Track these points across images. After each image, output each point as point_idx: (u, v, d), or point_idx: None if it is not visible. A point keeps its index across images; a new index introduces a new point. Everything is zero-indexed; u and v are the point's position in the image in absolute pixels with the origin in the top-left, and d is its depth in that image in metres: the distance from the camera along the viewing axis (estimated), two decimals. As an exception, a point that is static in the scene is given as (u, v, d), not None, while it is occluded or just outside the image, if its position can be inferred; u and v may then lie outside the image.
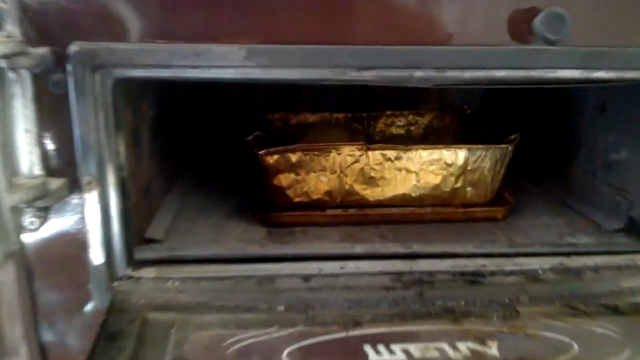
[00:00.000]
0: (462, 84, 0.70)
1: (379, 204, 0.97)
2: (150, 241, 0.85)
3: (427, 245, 0.83)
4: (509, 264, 0.79)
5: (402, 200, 0.97)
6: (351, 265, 0.79)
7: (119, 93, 0.69)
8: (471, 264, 0.79)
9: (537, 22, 0.66)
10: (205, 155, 1.24)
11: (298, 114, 1.24)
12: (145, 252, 0.79)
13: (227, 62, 0.67)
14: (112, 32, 0.65)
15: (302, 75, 0.68)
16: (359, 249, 0.81)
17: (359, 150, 0.94)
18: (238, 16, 0.66)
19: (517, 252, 0.82)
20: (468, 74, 0.69)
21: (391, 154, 0.94)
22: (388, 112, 1.25)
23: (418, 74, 0.69)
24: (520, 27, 0.68)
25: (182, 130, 1.13)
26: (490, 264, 0.79)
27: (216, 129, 1.27)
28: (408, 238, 0.87)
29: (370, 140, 1.22)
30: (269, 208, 0.95)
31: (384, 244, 0.83)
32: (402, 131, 1.25)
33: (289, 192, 0.95)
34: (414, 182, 0.96)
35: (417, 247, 0.81)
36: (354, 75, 0.68)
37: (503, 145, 0.95)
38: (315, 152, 0.93)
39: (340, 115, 1.25)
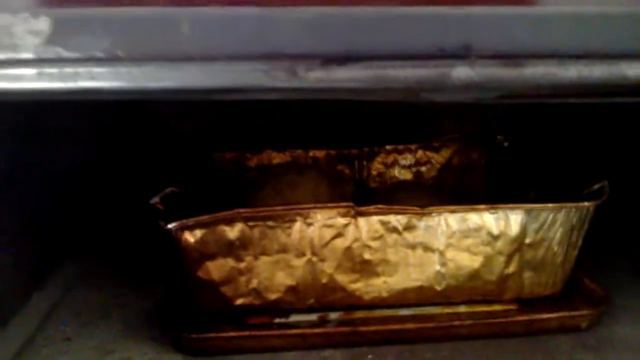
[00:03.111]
0: (564, 96, 0.31)
1: (380, 305, 0.58)
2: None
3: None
4: None
5: (419, 298, 0.58)
6: None
7: None
8: None
9: None
10: (111, 226, 0.83)
11: (259, 152, 0.85)
12: None
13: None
14: None
15: (177, 83, 0.29)
16: None
17: (343, 216, 0.55)
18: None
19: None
20: (584, 70, 0.30)
21: (397, 221, 0.56)
22: (388, 147, 0.87)
23: (461, 71, 0.30)
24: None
25: (71, 184, 0.74)
26: None
27: (134, 180, 0.87)
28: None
29: (363, 189, 0.84)
30: (190, 320, 0.56)
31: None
32: (408, 175, 0.86)
33: (225, 291, 0.56)
34: (438, 267, 0.57)
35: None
36: (313, 78, 0.30)
37: (584, 203, 0.56)
38: (269, 222, 0.54)
39: (320, 153, 0.86)
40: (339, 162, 0.87)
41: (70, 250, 0.73)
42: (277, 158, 0.86)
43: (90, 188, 0.80)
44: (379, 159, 0.87)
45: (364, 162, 0.87)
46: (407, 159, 0.87)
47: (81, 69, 0.30)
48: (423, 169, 0.87)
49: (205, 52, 0.29)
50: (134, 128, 0.93)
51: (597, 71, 0.31)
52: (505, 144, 0.85)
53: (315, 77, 0.30)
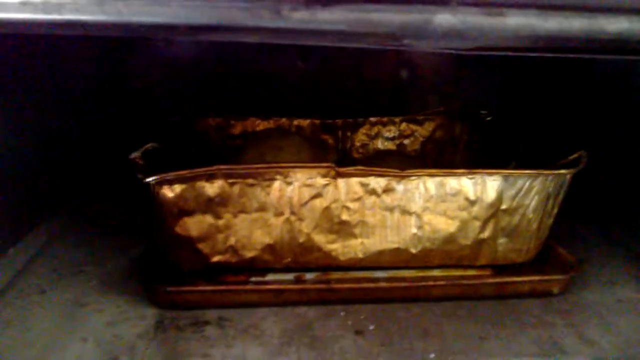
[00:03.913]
0: (543, 49, 0.31)
1: (356, 266, 0.59)
2: None
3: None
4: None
5: (394, 260, 0.59)
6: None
7: None
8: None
9: None
10: (95, 183, 0.83)
11: (243, 119, 0.85)
12: None
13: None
14: None
15: (161, 18, 0.29)
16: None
17: (323, 176, 0.55)
18: None
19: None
20: (564, 22, 0.30)
21: (377, 183, 0.56)
22: (372, 119, 0.87)
23: (442, 18, 0.30)
24: None
25: (53, 142, 0.73)
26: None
27: (118, 143, 0.86)
28: (406, 340, 0.48)
29: (345, 158, 0.84)
30: (167, 275, 0.56)
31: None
32: (391, 146, 0.87)
33: (203, 247, 0.56)
34: (414, 230, 0.58)
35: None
36: (297, 19, 0.30)
37: (560, 171, 0.57)
38: (249, 180, 0.55)
39: (305, 122, 0.86)
40: (323, 131, 0.87)
41: (50, 206, 0.73)
42: (261, 125, 0.86)
43: (73, 148, 0.79)
44: (363, 130, 0.87)
45: (348, 133, 0.87)
46: (391, 131, 0.88)
47: (66, 1, 0.30)
48: (406, 141, 0.88)
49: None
50: (119, 92, 0.93)
51: (576, 24, 0.32)
52: (488, 119, 0.85)
53: (299, 17, 0.30)
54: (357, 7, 0.30)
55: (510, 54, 0.33)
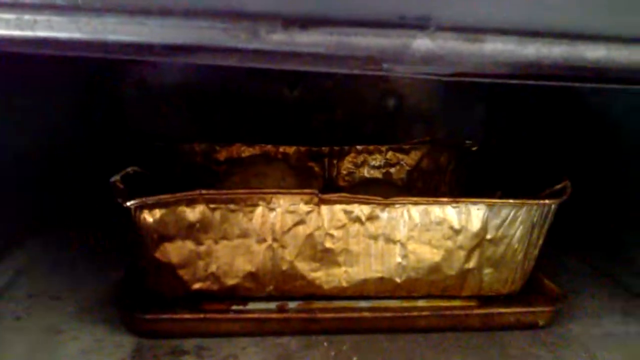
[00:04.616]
0: (523, 77, 0.31)
1: (340, 295, 0.57)
2: None
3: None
4: None
5: (379, 290, 0.58)
6: None
7: None
8: None
9: None
10: (77, 206, 0.81)
11: (229, 145, 0.85)
12: None
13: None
14: None
15: (137, 37, 0.29)
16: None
17: (307, 203, 0.54)
18: None
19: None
20: (543, 49, 0.30)
21: (361, 211, 0.55)
22: (358, 147, 0.87)
23: (421, 43, 0.30)
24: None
25: (34, 168, 0.72)
26: None
27: (102, 166, 0.86)
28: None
29: (331, 186, 0.84)
30: (146, 301, 0.54)
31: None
32: (378, 174, 0.87)
33: (183, 274, 0.55)
34: (399, 259, 0.57)
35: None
36: (275, 41, 0.29)
37: (545, 201, 0.57)
38: (231, 206, 0.54)
39: (290, 150, 0.86)
40: (309, 159, 0.87)
41: (29, 230, 0.71)
42: (247, 152, 0.85)
43: (54, 170, 0.78)
44: (349, 158, 0.87)
45: (334, 161, 0.87)
46: (377, 160, 0.88)
47: (40, 17, 0.29)
48: (392, 170, 0.88)
49: (164, 4, 0.29)
50: (103, 114, 0.92)
51: (555, 50, 0.32)
52: (474, 149, 0.85)
53: (277, 39, 0.30)
54: (336, 31, 0.30)
55: (489, 80, 0.33)
